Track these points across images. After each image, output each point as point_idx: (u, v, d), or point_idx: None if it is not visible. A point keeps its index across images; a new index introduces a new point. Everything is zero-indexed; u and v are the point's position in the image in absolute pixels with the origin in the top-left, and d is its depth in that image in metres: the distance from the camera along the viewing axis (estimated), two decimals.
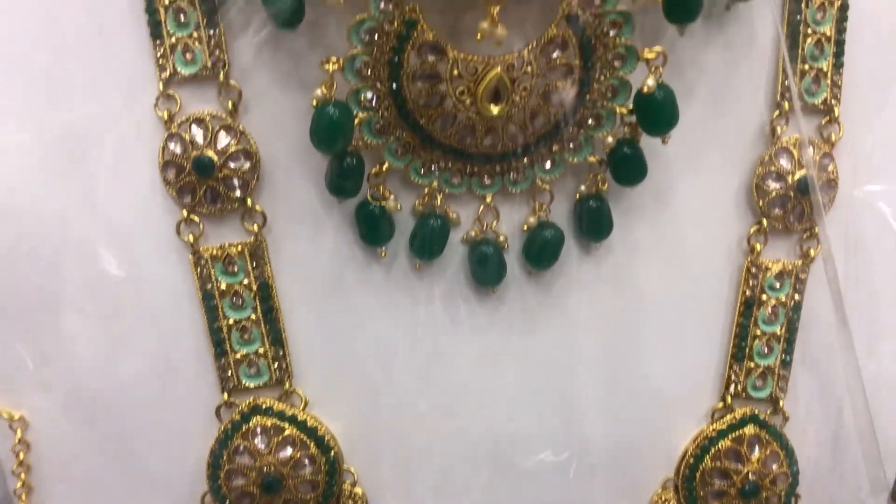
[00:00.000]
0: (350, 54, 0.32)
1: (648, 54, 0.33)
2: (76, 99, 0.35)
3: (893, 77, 0.39)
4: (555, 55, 0.32)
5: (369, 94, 0.33)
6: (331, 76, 0.32)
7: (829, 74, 0.38)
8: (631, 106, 0.34)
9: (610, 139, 0.35)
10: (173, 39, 0.35)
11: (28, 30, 0.35)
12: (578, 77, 0.33)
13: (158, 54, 0.35)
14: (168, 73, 0.35)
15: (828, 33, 0.38)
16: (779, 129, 0.38)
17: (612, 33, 0.33)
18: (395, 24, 0.32)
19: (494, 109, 0.33)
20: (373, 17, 0.32)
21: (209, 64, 0.35)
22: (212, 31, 0.34)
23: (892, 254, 0.39)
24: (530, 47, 0.32)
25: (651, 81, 0.33)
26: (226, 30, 0.35)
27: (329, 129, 0.33)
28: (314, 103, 0.33)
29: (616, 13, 0.32)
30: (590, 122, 0.35)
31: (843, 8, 0.38)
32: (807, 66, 0.37)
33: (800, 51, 0.37)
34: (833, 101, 0.38)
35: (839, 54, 0.38)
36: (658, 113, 0.34)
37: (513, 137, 0.34)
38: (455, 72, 0.32)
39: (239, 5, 0.34)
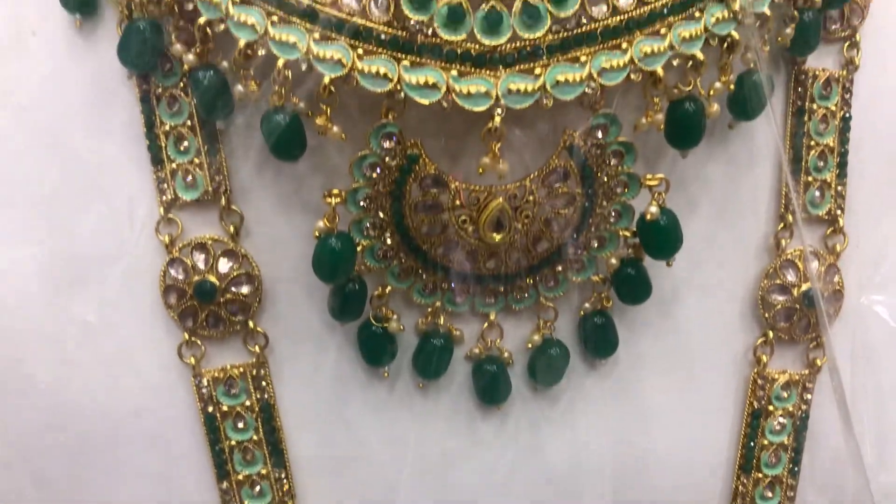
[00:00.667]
0: (352, 188, 0.32)
1: (651, 181, 0.33)
2: (77, 222, 0.35)
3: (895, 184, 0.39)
4: (557, 185, 0.32)
5: (371, 224, 0.33)
6: (333, 209, 0.32)
7: (832, 185, 0.38)
8: (634, 229, 0.34)
9: (613, 260, 0.35)
10: (174, 165, 0.35)
11: (32, 154, 0.35)
12: (580, 204, 0.33)
13: (159, 179, 0.35)
14: (169, 198, 0.35)
15: (831, 144, 0.37)
16: (783, 241, 0.37)
17: (613, 162, 0.33)
18: (397, 159, 0.32)
19: (497, 237, 0.33)
20: (374, 154, 0.31)
21: (210, 189, 0.35)
22: (213, 157, 0.34)
23: None
24: (532, 177, 0.32)
25: (654, 209, 0.33)
26: (227, 153, 0.35)
27: (331, 261, 0.32)
28: (316, 234, 0.33)
29: (618, 143, 0.32)
30: (593, 243, 0.34)
31: (846, 119, 0.38)
32: (811, 178, 0.37)
33: (803, 163, 0.37)
34: (837, 212, 0.38)
35: (842, 164, 0.38)
36: (662, 238, 0.33)
37: (516, 261, 0.34)
38: (457, 202, 0.32)
39: (240, 131, 0.34)
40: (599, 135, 0.32)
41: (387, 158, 0.32)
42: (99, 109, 0.35)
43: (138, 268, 0.35)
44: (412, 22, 0.30)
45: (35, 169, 0.35)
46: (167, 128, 0.35)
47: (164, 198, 0.35)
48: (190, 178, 0.35)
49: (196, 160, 0.35)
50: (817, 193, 0.37)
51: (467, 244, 0.33)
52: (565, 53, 0.30)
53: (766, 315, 0.37)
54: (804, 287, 0.37)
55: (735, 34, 0.32)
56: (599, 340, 0.36)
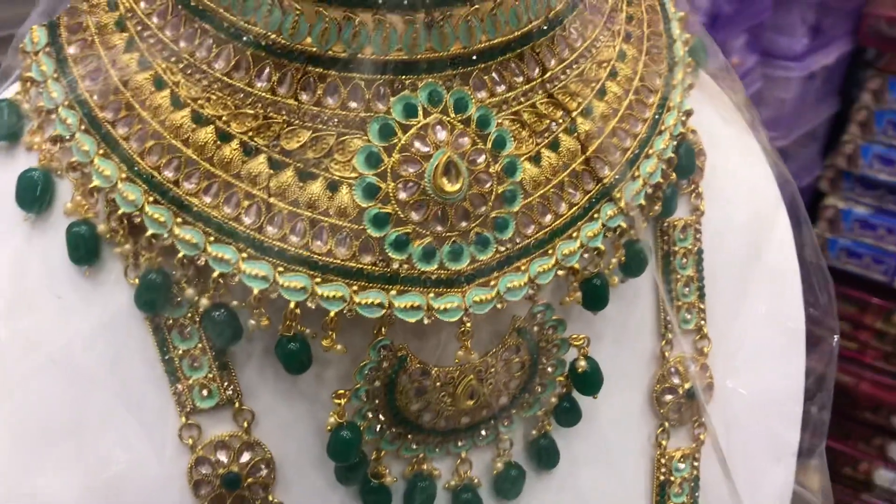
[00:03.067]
0: (355, 388, 0.40)
1: (576, 341, 0.43)
2: (104, 442, 0.41)
3: (741, 293, 0.51)
4: (511, 357, 0.42)
5: (369, 409, 0.41)
6: (342, 407, 0.40)
7: (696, 304, 0.49)
8: (566, 374, 0.44)
9: (553, 399, 0.45)
10: (190, 381, 0.41)
11: (56, 386, 0.41)
12: (528, 366, 0.43)
13: (178, 393, 0.41)
14: (188, 409, 0.41)
15: (691, 274, 0.49)
16: (666, 353, 0.49)
17: (550, 333, 0.42)
18: (389, 362, 0.40)
19: (470, 403, 0.42)
20: (373, 361, 0.40)
21: (225, 397, 0.41)
22: (224, 371, 0.41)
23: (761, 429, 0.51)
24: (492, 352, 0.41)
25: (583, 362, 0.43)
26: (234, 362, 0.41)
27: (345, 448, 0.40)
28: (329, 428, 0.40)
29: (553, 320, 0.42)
30: (538, 389, 0.44)
31: (700, 252, 0.49)
32: (680, 302, 0.49)
33: (673, 292, 0.49)
34: (702, 323, 0.50)
35: (701, 288, 0.49)
36: (590, 382, 0.44)
37: (483, 415, 0.43)
38: (438, 384, 0.41)
39: (243, 342, 0.41)
40: (539, 318, 0.42)
41: (383, 363, 0.40)
42: (114, 341, 0.41)
43: (165, 470, 0.41)
44: (395, 261, 0.38)
45: (60, 399, 0.41)
46: (180, 352, 0.41)
47: (185, 410, 0.41)
48: (205, 391, 0.41)
49: (209, 375, 0.41)
50: (686, 314, 0.49)
51: (446, 411, 0.42)
52: (510, 266, 0.40)
53: (662, 410, 0.49)
54: (686, 385, 0.49)
55: (623, 223, 0.43)
56: (545, 457, 0.46)
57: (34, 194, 0.40)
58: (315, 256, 0.38)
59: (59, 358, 0.41)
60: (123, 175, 0.39)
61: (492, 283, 0.39)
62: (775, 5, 1.25)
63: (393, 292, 0.38)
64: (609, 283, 0.43)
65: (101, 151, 0.39)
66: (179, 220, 0.38)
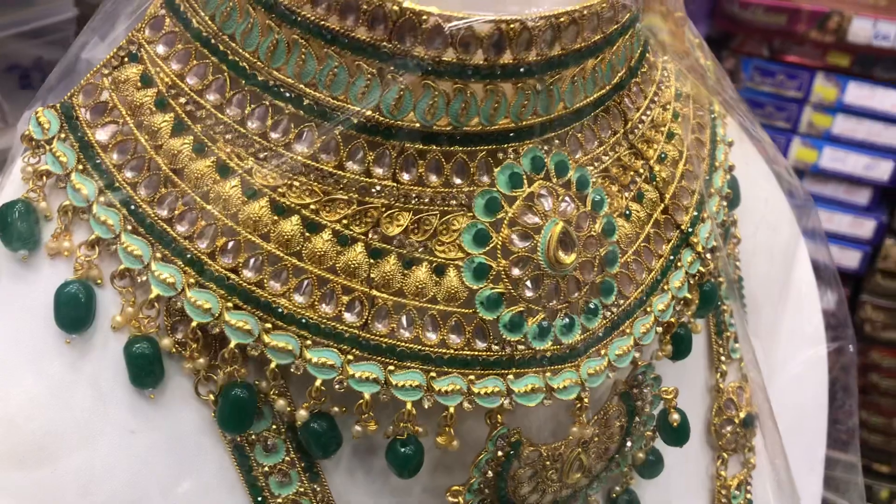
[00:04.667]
0: (470, 481, 0.37)
1: (667, 394, 0.42)
2: None
3: (775, 314, 0.52)
4: (615, 423, 0.40)
5: (480, 501, 0.38)
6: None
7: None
8: (654, 428, 0.43)
9: (641, 454, 0.43)
10: (279, 500, 0.36)
11: None
12: (626, 427, 0.41)
13: None
14: None
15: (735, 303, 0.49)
16: (721, 384, 0.48)
17: (646, 391, 0.41)
18: (503, 450, 0.37)
19: (577, 476, 0.39)
20: (490, 452, 0.36)
21: None
22: (314, 483, 0.37)
23: (797, 443, 0.52)
24: (595, 419, 0.39)
25: (675, 416, 0.42)
26: (323, 468, 0.37)
27: None
28: None
29: (652, 378, 0.40)
30: (627, 446, 0.42)
31: (740, 280, 0.49)
32: (729, 332, 0.49)
33: (722, 323, 0.48)
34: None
35: (744, 315, 0.49)
36: (682, 432, 0.43)
37: (581, 484, 0.41)
38: (548, 462, 0.38)
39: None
40: (640, 378, 0.40)
41: (499, 453, 0.37)
42: (188, 467, 0.35)
43: None
44: (510, 343, 0.35)
45: None
46: (266, 468, 0.36)
47: None
48: None
49: (300, 489, 0.37)
50: (734, 343, 0.49)
51: (552, 487, 0.39)
52: (616, 330, 0.38)
53: (720, 441, 0.49)
54: (742, 414, 0.49)
55: (701, 268, 0.42)
56: None
57: (78, 312, 0.34)
58: (427, 349, 0.34)
59: (124, 495, 0.35)
60: (192, 280, 0.34)
61: (602, 351, 0.37)
62: None
63: (510, 377, 0.35)
64: (692, 331, 0.42)
65: (157, 255, 0.34)
66: (269, 325, 0.34)
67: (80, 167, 0.35)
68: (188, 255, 0.34)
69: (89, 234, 0.35)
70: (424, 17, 0.31)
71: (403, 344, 0.34)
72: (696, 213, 0.42)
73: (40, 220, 0.36)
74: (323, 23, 0.32)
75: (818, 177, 1.59)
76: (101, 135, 0.35)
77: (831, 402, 0.55)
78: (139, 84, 0.35)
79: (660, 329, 0.40)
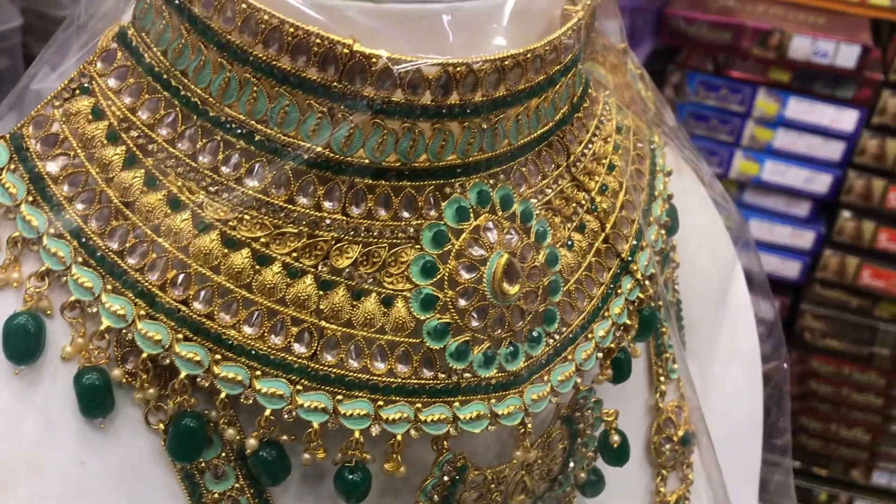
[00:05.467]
0: None
1: (608, 416, 0.43)
2: None
3: (712, 335, 0.53)
4: (558, 445, 0.41)
5: None
6: None
7: (679, 353, 0.51)
8: (596, 449, 0.44)
9: (583, 474, 0.45)
10: None
11: None
12: (568, 449, 0.42)
13: None
14: None
15: (674, 325, 0.51)
16: (660, 404, 0.50)
17: (588, 414, 0.42)
18: (450, 475, 0.38)
19: (520, 499, 0.41)
20: (436, 477, 0.37)
21: None
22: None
23: (733, 457, 0.54)
24: (538, 442, 0.41)
25: (616, 437, 0.43)
26: (271, 493, 0.38)
27: None
28: None
29: (593, 402, 0.42)
30: (570, 467, 0.44)
31: (678, 303, 0.51)
32: (667, 354, 0.50)
33: (661, 345, 0.50)
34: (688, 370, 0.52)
35: (682, 336, 0.51)
36: (622, 453, 0.44)
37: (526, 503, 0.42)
38: (493, 485, 0.39)
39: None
40: (581, 402, 0.41)
41: (444, 477, 0.38)
42: (138, 496, 0.36)
43: None
44: (456, 371, 0.36)
45: None
46: (215, 495, 0.37)
47: None
48: None
49: None
50: (672, 364, 0.51)
51: None
52: (558, 357, 0.39)
53: (660, 459, 0.50)
54: (680, 432, 0.50)
55: (641, 295, 0.43)
56: None
57: (28, 343, 0.34)
58: (375, 379, 0.35)
59: None
60: (143, 312, 0.34)
61: (545, 377, 0.39)
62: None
63: (456, 404, 0.36)
64: (632, 355, 0.44)
65: (108, 287, 0.34)
66: (218, 356, 0.34)
67: (31, 198, 0.35)
68: (139, 288, 0.34)
69: (39, 265, 0.35)
70: (374, 59, 0.32)
71: (352, 374, 0.35)
72: (635, 242, 0.43)
73: None
74: (275, 63, 0.33)
75: (760, 189, 1.63)
76: (52, 166, 0.35)
77: (766, 417, 0.57)
78: (90, 117, 0.36)
79: (601, 354, 0.41)
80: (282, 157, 0.34)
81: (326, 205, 0.35)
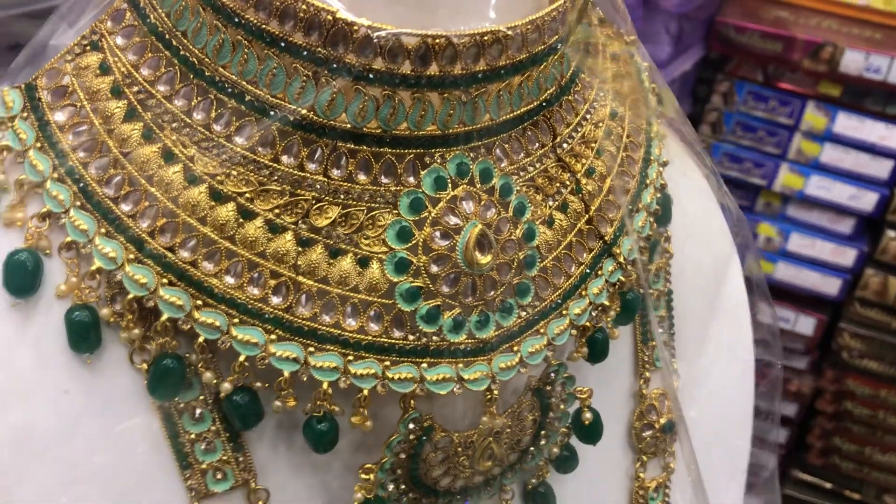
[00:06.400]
0: (382, 461, 0.39)
1: (581, 394, 0.44)
2: None
3: (704, 328, 0.54)
4: (527, 416, 0.42)
5: (392, 479, 0.40)
6: (371, 482, 0.39)
7: (667, 343, 0.52)
8: (570, 426, 0.45)
9: (556, 449, 0.46)
10: (203, 465, 0.39)
11: (52, 481, 0.37)
12: (538, 419, 0.44)
13: (189, 479, 0.39)
14: (202, 494, 0.39)
15: (662, 314, 0.51)
16: (644, 390, 0.51)
17: (560, 389, 0.43)
18: (416, 433, 0.39)
19: (488, 465, 0.42)
20: (402, 434, 0.39)
21: (240, 479, 0.39)
22: (238, 453, 0.39)
23: (719, 451, 0.55)
24: (508, 412, 0.42)
25: (588, 414, 0.44)
26: (247, 439, 0.40)
27: None
28: (356, 502, 0.39)
29: (564, 377, 0.43)
30: (542, 441, 0.45)
31: (669, 293, 0.52)
32: (654, 342, 0.51)
33: (648, 333, 0.51)
34: (672, 360, 0.52)
35: (672, 326, 0.52)
36: (593, 431, 0.45)
37: (493, 473, 0.44)
38: (459, 448, 0.41)
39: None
40: (553, 376, 0.42)
41: (410, 436, 0.39)
42: (118, 429, 0.38)
43: None
44: (426, 334, 0.38)
45: (59, 495, 0.38)
46: (192, 436, 0.39)
47: (197, 494, 0.39)
48: (220, 474, 0.39)
49: (224, 457, 0.39)
50: (658, 352, 0.51)
51: (463, 473, 0.42)
52: (530, 329, 0.40)
53: (640, 445, 0.51)
54: (662, 420, 0.51)
55: (622, 277, 0.44)
56: (542, 502, 0.47)
57: (25, 279, 0.37)
58: (346, 334, 0.37)
59: (56, 451, 0.37)
60: (131, 256, 0.36)
61: (515, 348, 0.40)
62: (643, 15, 1.31)
63: (424, 365, 0.38)
64: (610, 336, 0.45)
65: (102, 231, 0.37)
66: (199, 302, 0.36)
67: (38, 145, 0.38)
68: (130, 233, 0.36)
69: (41, 207, 0.37)
70: (355, 27, 0.34)
71: (324, 328, 0.37)
72: (620, 226, 0.44)
73: None
74: (264, 26, 0.35)
75: (804, 203, 1.61)
76: (60, 116, 0.38)
77: (757, 415, 0.57)
78: (98, 71, 0.38)
79: (575, 332, 0.42)
80: (269, 117, 0.36)
81: (309, 165, 0.36)
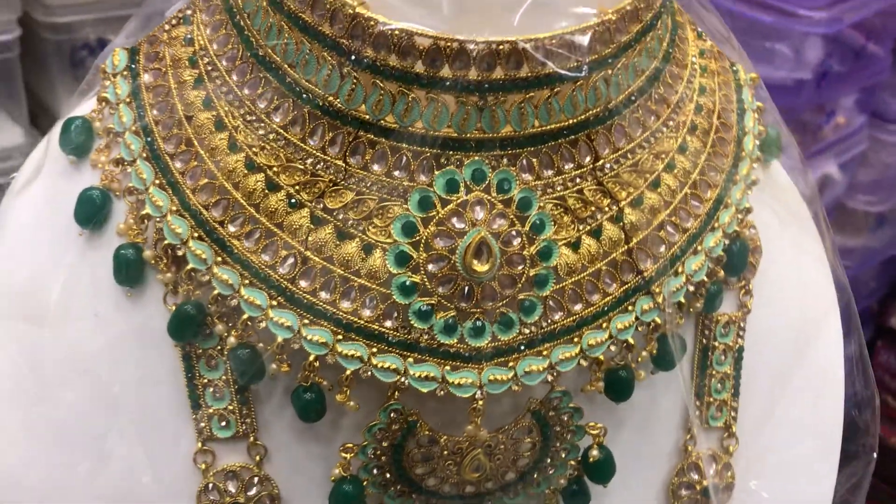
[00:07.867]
0: (363, 444, 0.41)
1: (593, 430, 0.43)
2: (119, 454, 0.43)
3: (779, 395, 0.50)
4: (524, 438, 0.42)
5: (375, 466, 0.42)
6: (347, 461, 0.41)
7: (728, 403, 0.48)
8: (579, 459, 0.44)
9: (563, 481, 0.44)
10: (211, 410, 0.42)
11: (82, 396, 0.43)
12: (538, 446, 0.43)
13: (198, 420, 0.42)
14: (206, 436, 0.42)
15: (728, 371, 0.48)
16: (689, 447, 0.48)
17: (566, 419, 0.42)
18: (399, 425, 0.40)
19: (474, 476, 0.42)
20: (382, 422, 0.40)
21: (241, 430, 0.42)
22: (243, 405, 0.42)
23: None
24: (503, 428, 0.41)
25: (595, 452, 0.43)
26: (256, 398, 0.43)
27: (345, 502, 0.41)
28: (332, 479, 0.41)
29: (570, 408, 0.42)
30: (548, 470, 0.44)
31: (740, 350, 0.48)
32: (711, 399, 0.48)
33: (706, 388, 0.48)
34: (731, 422, 0.48)
35: (737, 386, 0.48)
36: (601, 470, 0.43)
37: (487, 487, 0.43)
38: (445, 452, 0.41)
39: (265, 381, 0.42)
40: (555, 403, 0.41)
41: (392, 426, 0.40)
42: (145, 361, 0.43)
43: (180, 493, 0.43)
44: (416, 329, 0.38)
45: (84, 409, 0.43)
46: (205, 381, 0.42)
47: (202, 436, 0.42)
48: (224, 421, 0.42)
49: (229, 406, 0.42)
50: (716, 411, 0.48)
51: (451, 478, 0.42)
52: (532, 349, 0.40)
53: (675, 502, 0.48)
54: (704, 482, 0.48)
55: (658, 319, 0.42)
56: None
57: (91, 212, 0.42)
58: (340, 314, 0.39)
59: (91, 369, 0.43)
60: (174, 207, 0.40)
61: (510, 363, 0.39)
62: (893, 66, 1.20)
63: (410, 359, 0.39)
64: (635, 377, 0.43)
65: (157, 181, 0.41)
66: (220, 259, 0.40)
67: (128, 99, 0.43)
68: (178, 188, 0.41)
69: (118, 153, 0.43)
70: (372, 22, 0.35)
71: (320, 304, 0.39)
72: (667, 266, 0.42)
73: (93, 137, 0.44)
74: (300, 14, 0.37)
75: None
76: (147, 77, 0.43)
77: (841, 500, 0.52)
78: (183, 42, 0.43)
79: (585, 362, 0.41)
80: (301, 100, 0.38)
81: (330, 150, 0.39)
